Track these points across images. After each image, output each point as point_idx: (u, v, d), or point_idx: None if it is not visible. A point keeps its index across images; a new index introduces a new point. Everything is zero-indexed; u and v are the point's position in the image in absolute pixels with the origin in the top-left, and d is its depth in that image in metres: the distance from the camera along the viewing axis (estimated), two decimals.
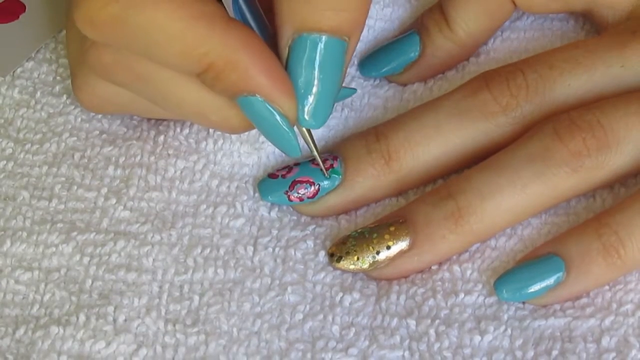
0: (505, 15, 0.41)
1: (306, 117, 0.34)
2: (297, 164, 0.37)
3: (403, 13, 0.43)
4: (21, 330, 0.35)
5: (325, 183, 0.37)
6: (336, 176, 0.37)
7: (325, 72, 0.33)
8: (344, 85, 0.40)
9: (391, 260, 0.35)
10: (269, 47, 0.33)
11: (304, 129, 0.35)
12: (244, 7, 0.34)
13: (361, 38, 0.41)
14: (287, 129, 0.33)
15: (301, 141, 0.35)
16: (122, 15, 0.31)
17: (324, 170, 0.37)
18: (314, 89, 0.33)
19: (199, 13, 0.31)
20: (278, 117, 0.33)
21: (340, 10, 0.32)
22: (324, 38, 0.32)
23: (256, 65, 0.32)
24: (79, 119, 0.41)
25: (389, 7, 0.43)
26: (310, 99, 0.33)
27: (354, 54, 0.42)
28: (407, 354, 0.34)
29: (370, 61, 0.42)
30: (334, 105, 0.34)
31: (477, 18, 0.40)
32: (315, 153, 0.36)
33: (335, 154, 0.37)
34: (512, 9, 0.40)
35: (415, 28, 0.41)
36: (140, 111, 0.39)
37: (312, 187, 0.37)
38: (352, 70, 0.42)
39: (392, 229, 0.35)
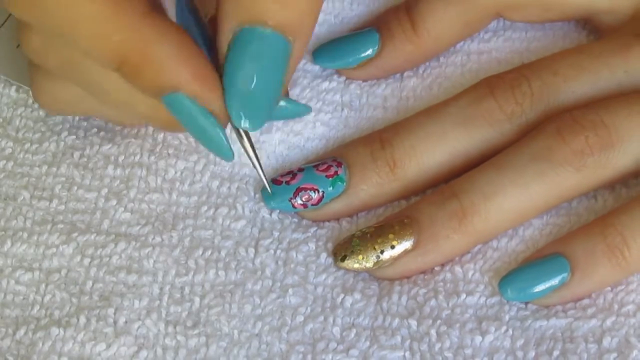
0: (483, 26, 0.40)
1: (242, 115, 0.32)
2: (301, 170, 0.37)
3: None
4: (21, 331, 0.35)
5: (330, 190, 0.36)
6: (341, 184, 0.37)
7: (265, 69, 0.31)
8: (304, 102, 0.39)
9: (395, 259, 0.35)
10: (207, 52, 0.32)
11: (244, 136, 0.33)
12: (185, 11, 0.33)
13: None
14: (216, 129, 0.31)
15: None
16: None
17: (268, 186, 0.35)
18: (252, 86, 0.31)
19: None
20: (204, 116, 0.31)
21: (287, 5, 0.30)
22: (267, 32, 0.30)
23: (175, 58, 0.30)
24: (77, 117, 0.41)
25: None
26: (247, 97, 0.31)
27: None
28: (407, 354, 0.34)
29: (325, 51, 0.40)
30: (272, 109, 0.32)
31: (451, 27, 0.39)
32: (255, 162, 0.34)
33: (339, 160, 0.37)
34: (492, 20, 0.40)
35: (376, 25, 0.40)
36: (91, 110, 0.37)
37: (316, 195, 0.37)
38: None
39: (396, 228, 0.35)
